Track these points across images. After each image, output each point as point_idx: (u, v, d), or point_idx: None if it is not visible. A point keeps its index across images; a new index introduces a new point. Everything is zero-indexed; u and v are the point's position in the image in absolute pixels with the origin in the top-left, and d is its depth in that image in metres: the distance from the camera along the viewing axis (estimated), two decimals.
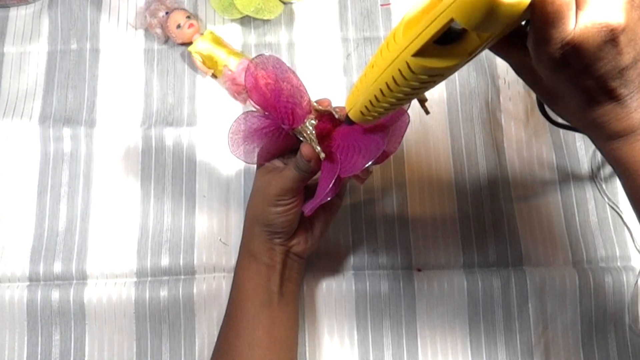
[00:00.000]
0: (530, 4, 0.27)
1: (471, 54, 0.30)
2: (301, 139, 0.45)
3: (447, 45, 0.29)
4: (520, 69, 0.34)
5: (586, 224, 0.57)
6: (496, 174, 0.58)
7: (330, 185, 0.41)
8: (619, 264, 0.55)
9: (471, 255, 0.55)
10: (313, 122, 0.44)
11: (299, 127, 0.44)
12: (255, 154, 0.48)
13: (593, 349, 0.54)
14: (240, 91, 0.58)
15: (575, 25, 0.28)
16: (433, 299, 0.54)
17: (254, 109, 0.47)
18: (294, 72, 0.43)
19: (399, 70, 0.31)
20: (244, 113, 0.46)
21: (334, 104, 0.45)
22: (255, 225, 0.48)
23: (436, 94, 0.60)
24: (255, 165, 0.50)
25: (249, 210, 0.49)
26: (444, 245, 0.56)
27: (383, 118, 0.38)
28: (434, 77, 0.31)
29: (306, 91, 0.44)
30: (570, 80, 0.31)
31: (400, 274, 0.55)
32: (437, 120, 0.59)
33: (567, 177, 0.58)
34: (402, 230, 0.56)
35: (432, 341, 0.54)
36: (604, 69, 0.29)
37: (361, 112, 0.37)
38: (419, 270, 0.55)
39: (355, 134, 0.43)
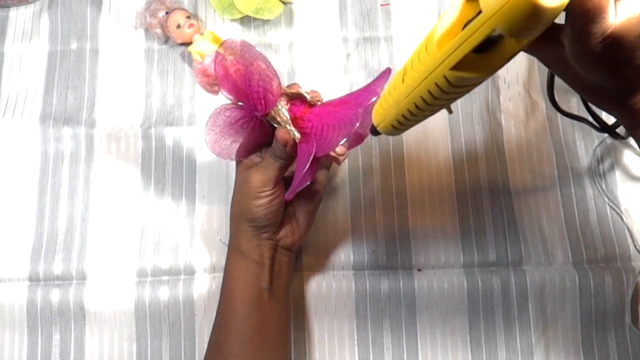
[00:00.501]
0: (569, 1, 0.26)
1: (509, 59, 0.29)
2: (275, 125, 0.45)
3: (484, 52, 0.29)
4: (551, 63, 0.34)
5: (586, 224, 0.57)
6: (496, 174, 0.58)
7: (307, 165, 0.41)
8: (619, 264, 0.55)
9: (471, 255, 0.55)
10: (285, 105, 0.44)
11: (272, 112, 0.44)
12: (233, 150, 0.48)
13: (593, 349, 0.54)
14: (212, 83, 0.57)
15: (615, 18, 0.27)
16: (433, 299, 0.54)
17: (228, 101, 0.47)
18: (262, 55, 0.44)
19: (436, 84, 0.31)
20: (217, 107, 0.47)
21: None
22: (241, 222, 0.48)
23: None
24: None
25: (233, 209, 0.49)
26: (444, 245, 0.56)
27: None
28: (472, 85, 0.31)
29: (276, 74, 0.44)
30: (610, 71, 0.31)
31: (400, 274, 0.55)
32: (437, 121, 0.59)
33: (567, 177, 0.58)
34: (402, 230, 0.56)
35: (432, 341, 0.54)
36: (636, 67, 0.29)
37: (392, 125, 0.36)
38: (419, 270, 0.55)
39: (329, 113, 0.43)
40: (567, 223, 0.57)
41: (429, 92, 0.31)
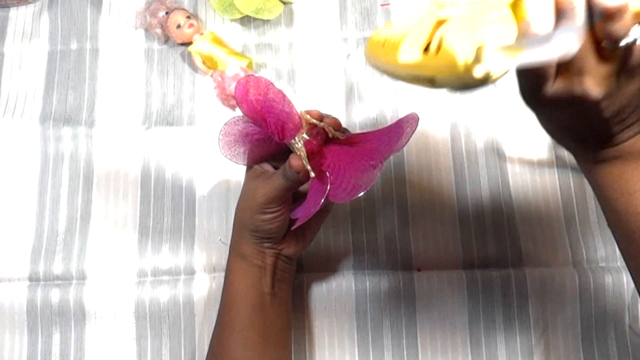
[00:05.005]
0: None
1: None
2: (291, 148, 0.44)
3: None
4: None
5: (586, 224, 0.57)
6: (496, 174, 0.58)
7: (319, 206, 0.40)
8: (619, 264, 0.55)
9: (471, 255, 0.55)
10: (305, 136, 0.42)
11: (289, 143, 0.43)
12: (245, 156, 0.48)
13: (593, 349, 0.54)
14: (229, 99, 0.57)
15: (552, 88, 0.30)
16: (433, 299, 0.54)
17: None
18: (283, 93, 0.42)
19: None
20: (233, 117, 0.46)
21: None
22: (244, 230, 0.47)
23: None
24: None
25: (237, 215, 0.48)
26: (444, 245, 0.56)
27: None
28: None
29: (296, 111, 0.42)
30: (553, 120, 0.33)
31: (400, 274, 0.55)
32: (437, 120, 0.59)
33: (567, 176, 0.58)
34: (402, 230, 0.56)
35: (432, 341, 0.54)
36: (585, 122, 0.31)
37: (382, 70, 0.36)
38: (419, 270, 0.55)
39: (348, 156, 0.42)
40: (567, 223, 0.57)
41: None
